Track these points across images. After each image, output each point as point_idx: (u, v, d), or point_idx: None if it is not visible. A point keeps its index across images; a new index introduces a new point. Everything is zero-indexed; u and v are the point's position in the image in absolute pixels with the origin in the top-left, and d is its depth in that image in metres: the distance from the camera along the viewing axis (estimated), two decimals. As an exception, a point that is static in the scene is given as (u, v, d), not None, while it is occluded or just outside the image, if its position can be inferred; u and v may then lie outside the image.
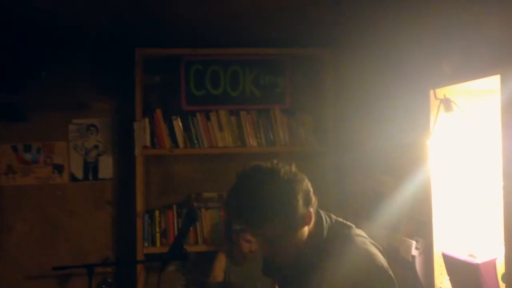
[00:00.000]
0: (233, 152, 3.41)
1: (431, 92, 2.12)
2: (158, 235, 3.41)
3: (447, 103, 2.08)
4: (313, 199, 1.62)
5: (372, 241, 1.67)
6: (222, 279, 3.19)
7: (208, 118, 3.45)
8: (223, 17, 2.90)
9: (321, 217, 1.68)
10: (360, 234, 1.68)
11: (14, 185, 3.37)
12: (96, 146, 3.51)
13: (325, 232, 1.65)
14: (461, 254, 2.03)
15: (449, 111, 2.09)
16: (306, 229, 1.62)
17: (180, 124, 3.43)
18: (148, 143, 3.38)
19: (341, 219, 1.74)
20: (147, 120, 3.38)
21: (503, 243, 1.71)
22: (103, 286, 3.47)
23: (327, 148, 3.51)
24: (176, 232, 3.39)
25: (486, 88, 1.90)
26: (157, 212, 3.43)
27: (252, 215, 1.51)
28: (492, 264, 1.90)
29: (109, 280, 3.49)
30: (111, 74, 3.50)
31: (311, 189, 1.62)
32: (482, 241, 2.05)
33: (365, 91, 3.01)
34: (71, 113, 3.47)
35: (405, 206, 2.43)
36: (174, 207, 3.47)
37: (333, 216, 1.73)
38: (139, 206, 3.35)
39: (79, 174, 3.48)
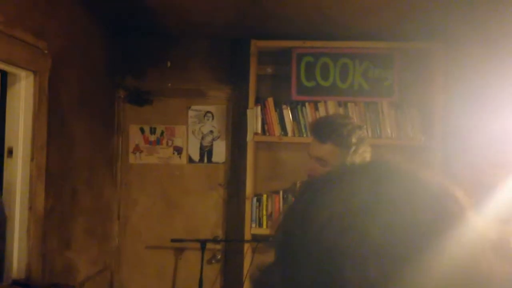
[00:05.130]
0: (339, 143, 3.52)
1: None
2: (264, 217, 3.62)
3: None
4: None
5: None
6: None
7: (317, 108, 3.59)
8: (333, 9, 3.04)
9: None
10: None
11: (140, 163, 3.76)
12: (211, 131, 3.80)
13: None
14: None
15: None
16: None
17: (290, 113, 3.61)
18: (259, 130, 3.59)
19: None
20: (259, 108, 3.59)
21: None
22: (213, 261, 3.76)
23: (434, 142, 3.50)
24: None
25: None
26: (265, 196, 3.64)
27: (323, 130, 1.99)
28: None
29: (218, 257, 3.76)
30: (225, 64, 3.77)
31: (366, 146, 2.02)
32: None
33: (477, 85, 2.99)
34: (190, 100, 3.78)
35: (519, 199, 2.41)
36: (281, 192, 3.66)
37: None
38: (249, 189, 3.57)
39: (196, 157, 3.78)
